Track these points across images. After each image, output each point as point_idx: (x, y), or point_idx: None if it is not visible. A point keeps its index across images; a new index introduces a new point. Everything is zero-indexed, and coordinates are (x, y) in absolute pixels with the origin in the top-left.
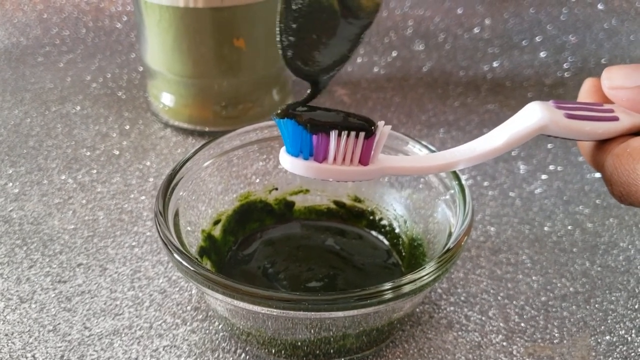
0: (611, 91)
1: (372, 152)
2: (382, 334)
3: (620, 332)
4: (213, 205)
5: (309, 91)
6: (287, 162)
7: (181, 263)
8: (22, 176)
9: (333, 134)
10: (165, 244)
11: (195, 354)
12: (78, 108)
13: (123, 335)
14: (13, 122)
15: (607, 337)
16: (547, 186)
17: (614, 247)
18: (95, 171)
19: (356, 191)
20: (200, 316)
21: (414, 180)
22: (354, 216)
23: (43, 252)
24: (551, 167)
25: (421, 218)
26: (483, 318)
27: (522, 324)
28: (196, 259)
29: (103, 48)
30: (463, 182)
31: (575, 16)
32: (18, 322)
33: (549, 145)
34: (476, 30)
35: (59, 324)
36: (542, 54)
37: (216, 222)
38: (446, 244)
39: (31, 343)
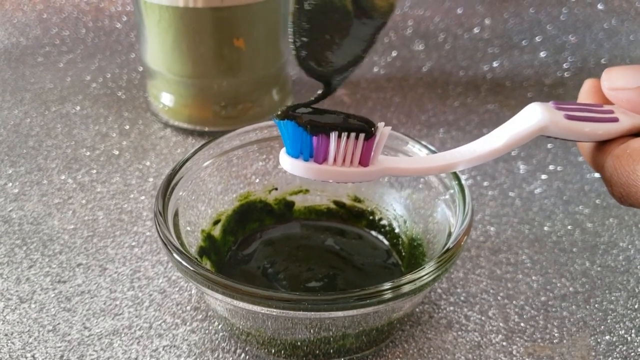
0: (611, 92)
1: (372, 153)
2: (382, 334)
3: (620, 332)
4: (213, 205)
5: (319, 92)
6: (287, 163)
7: (181, 263)
8: (21, 176)
9: (333, 135)
10: (165, 244)
11: (195, 354)
12: (78, 108)
13: (123, 335)
14: (13, 122)
15: (607, 337)
16: (547, 186)
17: (614, 247)
18: (95, 171)
19: (356, 191)
20: (200, 316)
21: (413, 180)
22: (353, 216)
23: (43, 252)
24: (551, 167)
25: (421, 218)
26: (483, 318)
27: (522, 324)
28: (196, 259)
29: (103, 48)
30: (463, 182)
31: (575, 16)
32: (18, 322)
33: (549, 145)
34: (476, 30)
35: (58, 324)
36: (542, 54)
37: (216, 222)
38: (446, 244)
39: (31, 343)
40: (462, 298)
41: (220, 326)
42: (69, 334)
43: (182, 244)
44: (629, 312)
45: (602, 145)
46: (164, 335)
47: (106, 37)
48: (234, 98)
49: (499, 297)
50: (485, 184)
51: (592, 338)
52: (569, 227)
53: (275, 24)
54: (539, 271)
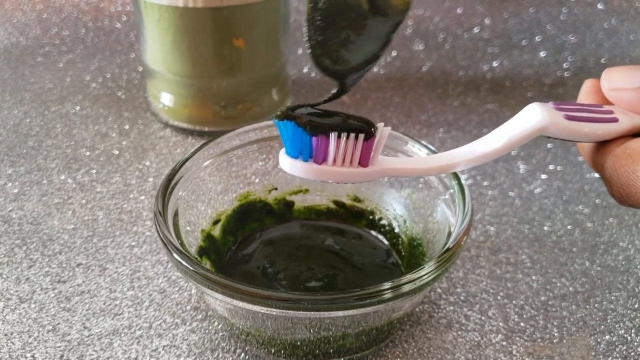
0: (611, 92)
1: (372, 154)
2: (382, 334)
3: (620, 332)
4: (212, 205)
5: (333, 91)
6: (287, 163)
7: (181, 263)
8: (21, 176)
9: (333, 136)
10: (165, 244)
11: (194, 354)
12: (77, 108)
13: (122, 335)
14: (12, 122)
15: (607, 337)
16: (547, 186)
17: (614, 247)
18: (94, 171)
19: (356, 191)
20: (200, 316)
21: (413, 180)
22: (353, 216)
23: (42, 252)
24: (551, 167)
25: (421, 218)
26: (483, 318)
27: (522, 324)
28: (196, 258)
29: (102, 48)
30: (462, 181)
31: (575, 16)
32: (17, 322)
33: (549, 145)
34: (476, 30)
35: (58, 323)
36: (542, 54)
37: (216, 222)
38: (446, 244)
39: (31, 343)
40: (462, 298)
41: (220, 326)
42: (69, 334)
43: (181, 243)
44: (628, 311)
45: (602, 145)
46: (164, 335)
47: (106, 37)
48: (234, 98)
49: (498, 297)
50: (485, 183)
51: (592, 338)
52: (569, 226)
53: (275, 23)
54: (538, 271)
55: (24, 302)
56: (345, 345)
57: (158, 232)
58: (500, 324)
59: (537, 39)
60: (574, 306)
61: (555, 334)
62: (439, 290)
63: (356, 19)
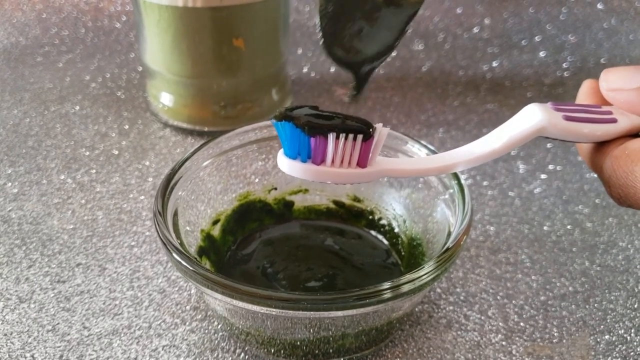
0: (609, 93)
1: (370, 155)
2: (382, 334)
3: (620, 332)
4: (212, 205)
5: (352, 84)
6: (285, 164)
7: (180, 263)
8: (21, 176)
9: (331, 137)
10: (164, 244)
11: (194, 354)
12: (77, 108)
13: (122, 335)
14: (12, 122)
15: (607, 337)
16: (547, 186)
17: (613, 247)
18: (94, 171)
19: (355, 191)
20: (200, 316)
21: (413, 179)
22: (353, 216)
23: (42, 252)
24: (550, 167)
25: (420, 217)
26: (482, 317)
27: (522, 324)
28: (195, 258)
29: (102, 48)
30: (462, 181)
31: (575, 16)
32: (17, 322)
33: (549, 145)
34: (475, 29)
35: (58, 323)
36: (542, 54)
37: (215, 222)
38: (445, 244)
39: (30, 343)
40: (461, 298)
41: (219, 326)
42: (69, 334)
43: (181, 243)
44: (628, 311)
45: (601, 146)
46: (164, 335)
47: (105, 37)
48: (234, 98)
49: (498, 297)
50: (485, 183)
51: (592, 337)
52: (569, 226)
53: (274, 23)
54: (538, 271)
55: (23, 302)
56: (344, 345)
57: (158, 232)
58: (500, 323)
59: (537, 39)
60: (573, 306)
61: (555, 334)
62: (438, 290)
63: (369, 10)
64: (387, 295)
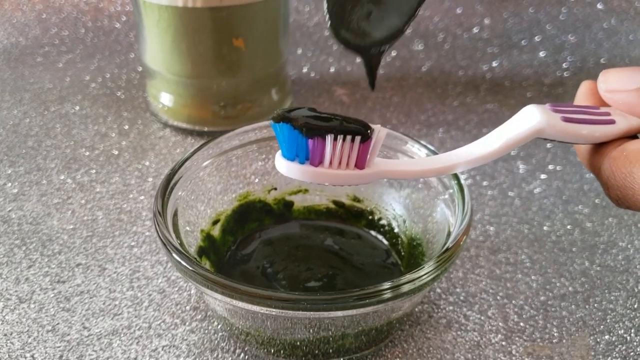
0: (607, 94)
1: (368, 156)
2: (381, 334)
3: (620, 332)
4: (212, 205)
5: (366, 69)
6: (283, 166)
7: (180, 263)
8: (21, 176)
9: (329, 138)
10: (164, 244)
11: (194, 354)
12: (77, 108)
13: (122, 335)
14: (12, 122)
15: (606, 337)
16: (547, 186)
17: (613, 247)
18: (94, 171)
19: (355, 191)
20: (199, 316)
21: (412, 180)
22: (353, 216)
23: (42, 252)
24: (550, 167)
25: (420, 218)
26: (482, 318)
27: (521, 324)
28: (195, 258)
29: (102, 48)
30: (462, 181)
31: (575, 16)
32: (17, 322)
33: (548, 145)
34: (475, 29)
35: (57, 324)
36: (542, 54)
37: (215, 222)
38: (445, 244)
39: (30, 343)
40: (461, 298)
41: (219, 326)
42: (68, 334)
43: (181, 243)
44: (628, 311)
45: (599, 147)
46: (163, 335)
47: (105, 37)
48: (233, 98)
49: (498, 297)
50: (485, 183)
51: (592, 338)
52: (569, 226)
53: (274, 23)
54: (538, 271)
55: (23, 302)
56: (344, 345)
57: (157, 232)
58: (500, 324)
59: (537, 39)
60: (573, 306)
61: (555, 334)
62: (438, 290)
63: None
64: (387, 295)
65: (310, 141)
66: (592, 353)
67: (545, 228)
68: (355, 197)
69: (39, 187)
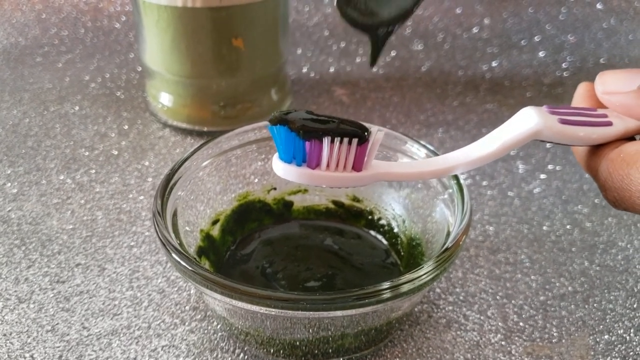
0: (605, 96)
1: (366, 158)
2: (381, 334)
3: (619, 332)
4: (211, 205)
5: (370, 50)
6: (280, 168)
7: (179, 263)
8: (20, 176)
9: (326, 141)
10: (164, 244)
11: (193, 354)
12: (77, 108)
13: (121, 335)
14: (11, 122)
15: (606, 337)
16: (546, 185)
17: (613, 247)
18: (93, 171)
19: (355, 191)
20: (199, 316)
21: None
22: (352, 216)
23: (41, 252)
24: (550, 167)
25: (420, 217)
26: (482, 317)
27: (521, 324)
28: (195, 258)
29: (102, 48)
30: (461, 181)
31: (574, 16)
32: (16, 322)
33: (548, 145)
34: (475, 29)
35: (57, 324)
36: (541, 54)
37: (215, 222)
38: (445, 244)
39: (29, 343)
40: (461, 298)
41: (219, 326)
42: (68, 334)
43: (180, 243)
44: (627, 311)
45: (596, 149)
46: (163, 335)
47: (105, 37)
48: (233, 98)
49: (497, 297)
50: (484, 183)
51: (591, 337)
52: (568, 226)
53: (274, 23)
54: (537, 271)
55: (22, 303)
56: (344, 345)
57: (157, 232)
58: (500, 323)
59: (536, 38)
60: (573, 306)
61: (554, 334)
62: (438, 290)
63: None
64: (387, 295)
65: (307, 143)
66: (592, 353)
67: (544, 228)
68: (355, 197)
69: (38, 187)
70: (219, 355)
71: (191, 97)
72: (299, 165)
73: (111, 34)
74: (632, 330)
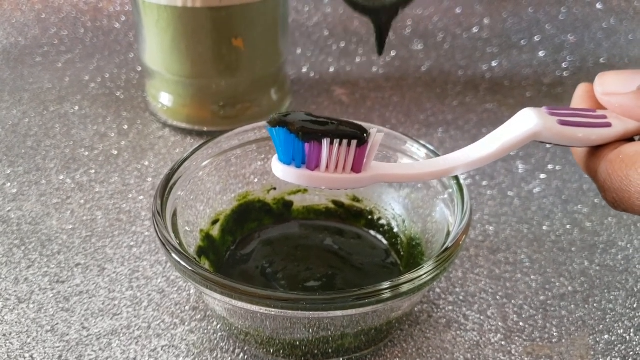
0: (604, 97)
1: (365, 160)
2: (381, 334)
3: (619, 331)
4: (211, 205)
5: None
6: (279, 170)
7: (179, 263)
8: (20, 176)
9: (325, 142)
10: (164, 244)
11: (193, 354)
12: (76, 108)
13: (121, 335)
14: (11, 122)
15: (606, 336)
16: (546, 185)
17: (613, 246)
18: (93, 171)
19: (355, 191)
20: (199, 316)
21: None
22: (352, 216)
23: (41, 252)
24: (550, 167)
25: (419, 217)
26: (482, 317)
27: (521, 323)
28: (194, 258)
29: (101, 48)
30: (461, 181)
31: (574, 15)
32: (16, 323)
33: (548, 145)
34: (475, 29)
35: (57, 324)
36: (541, 54)
37: (214, 222)
38: (444, 243)
39: (29, 343)
40: (461, 297)
41: (219, 326)
42: (68, 334)
43: (180, 243)
44: (627, 311)
45: (596, 150)
46: (163, 335)
47: (105, 37)
48: (233, 98)
49: (497, 297)
50: (484, 183)
51: (591, 337)
52: (568, 226)
53: (274, 23)
54: (537, 270)
55: (22, 303)
56: (344, 345)
57: (157, 232)
58: (499, 323)
59: (536, 38)
60: (572, 306)
61: (554, 334)
62: (437, 290)
63: None
64: (387, 295)
65: (306, 145)
66: (592, 353)
67: (544, 228)
68: (355, 197)
69: (38, 187)
70: (219, 355)
71: (191, 97)
72: (298, 166)
73: (111, 33)
74: (632, 330)
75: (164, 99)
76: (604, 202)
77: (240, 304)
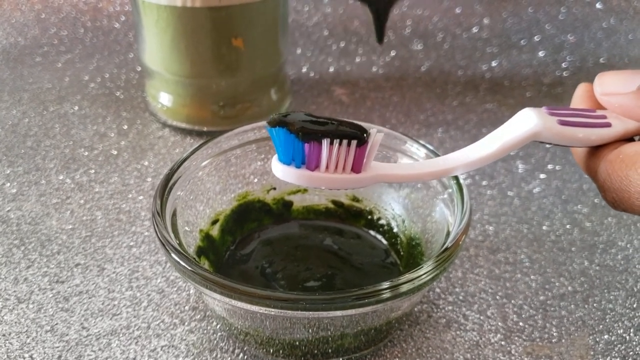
0: (604, 97)
1: (365, 160)
2: (380, 334)
3: (619, 331)
4: (211, 205)
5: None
6: (279, 170)
7: (179, 263)
8: (19, 176)
9: (325, 143)
10: (163, 244)
11: (193, 354)
12: (76, 108)
13: (121, 335)
14: (11, 122)
15: (606, 336)
16: (546, 185)
17: (613, 246)
18: (93, 171)
19: (354, 191)
20: (198, 316)
21: None
22: (352, 216)
23: (41, 252)
24: (550, 166)
25: (419, 217)
26: (481, 317)
27: (521, 323)
28: (194, 258)
29: (101, 48)
30: (461, 181)
31: (574, 15)
32: (15, 323)
33: (548, 145)
34: (475, 29)
35: (56, 324)
36: (541, 54)
37: (214, 222)
38: (444, 243)
39: (29, 343)
40: (460, 297)
41: (218, 326)
42: (67, 334)
43: (180, 243)
44: (627, 311)
45: (595, 150)
46: (162, 335)
47: (104, 37)
48: (233, 98)
49: (497, 297)
50: (484, 183)
51: (591, 337)
52: (568, 226)
53: (273, 23)
54: (537, 270)
55: (22, 303)
56: (343, 345)
57: (156, 232)
58: (499, 323)
59: (536, 38)
60: (572, 306)
61: (554, 334)
62: (437, 290)
63: None
64: (386, 295)
65: (306, 145)
66: (592, 353)
67: (544, 228)
68: (355, 197)
69: (37, 187)
70: (219, 355)
71: (191, 97)
72: (298, 167)
73: (110, 33)
74: (632, 330)
75: (164, 99)
76: (603, 202)
77: (239, 304)
